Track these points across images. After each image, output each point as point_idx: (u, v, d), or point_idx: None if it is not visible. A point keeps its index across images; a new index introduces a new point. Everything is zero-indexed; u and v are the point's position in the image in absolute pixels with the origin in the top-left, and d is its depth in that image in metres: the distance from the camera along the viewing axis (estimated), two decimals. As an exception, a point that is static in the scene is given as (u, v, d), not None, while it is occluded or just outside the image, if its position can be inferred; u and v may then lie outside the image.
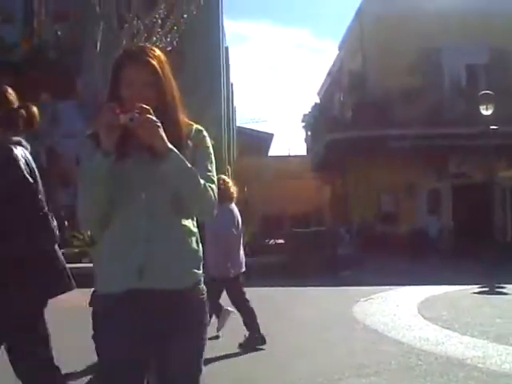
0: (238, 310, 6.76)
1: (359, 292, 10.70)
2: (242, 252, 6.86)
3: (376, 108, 21.64)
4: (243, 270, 6.78)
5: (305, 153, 41.51)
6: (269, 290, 11.44)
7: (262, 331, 6.49)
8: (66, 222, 14.50)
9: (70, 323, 7.09)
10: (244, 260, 6.85)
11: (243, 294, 6.73)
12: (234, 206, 6.86)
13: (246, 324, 6.60)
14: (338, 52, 30.78)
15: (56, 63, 14.12)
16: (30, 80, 12.73)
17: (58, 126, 16.63)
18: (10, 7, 14.95)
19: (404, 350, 6.26)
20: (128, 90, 2.16)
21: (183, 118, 2.29)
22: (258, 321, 6.52)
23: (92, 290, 2.96)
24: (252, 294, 9.69)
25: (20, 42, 13.98)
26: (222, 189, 6.20)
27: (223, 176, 7.02)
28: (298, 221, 24.86)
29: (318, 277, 12.25)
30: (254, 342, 6.44)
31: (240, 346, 6.40)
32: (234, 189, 6.82)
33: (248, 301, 6.69)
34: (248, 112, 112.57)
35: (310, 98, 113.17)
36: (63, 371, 3.24)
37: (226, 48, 33.56)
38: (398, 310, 8.91)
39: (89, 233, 12.56)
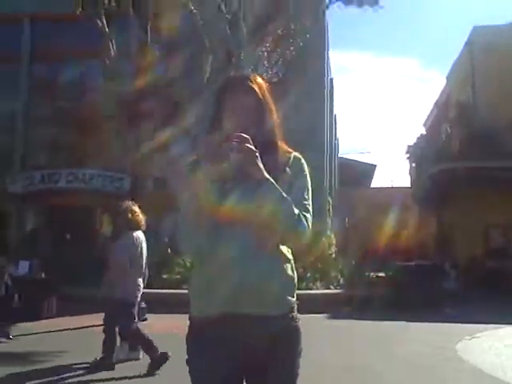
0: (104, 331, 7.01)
1: (464, 330, 10.24)
2: (136, 281, 6.98)
3: (485, 139, 20.91)
4: (131, 299, 6.91)
5: (408, 185, 40.62)
6: (371, 324, 11.22)
7: (362, 363, 6.36)
8: (169, 249, 14.90)
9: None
10: (138, 290, 6.99)
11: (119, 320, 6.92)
12: (139, 234, 7.09)
13: (104, 343, 6.89)
14: (445, 82, 30.14)
15: (167, 95, 14.73)
16: (142, 111, 13.34)
17: (165, 154, 17.28)
18: (124, 42, 15.80)
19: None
20: (229, 116, 2.19)
21: (282, 145, 2.29)
22: (362, 353, 6.39)
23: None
24: (353, 326, 9.54)
25: (134, 76, 14.70)
26: (130, 217, 6.89)
27: (130, 203, 7.35)
28: (400, 254, 24.25)
29: (422, 312, 11.86)
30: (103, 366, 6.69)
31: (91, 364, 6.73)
32: (141, 217, 7.13)
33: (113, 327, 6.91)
34: (352, 143, 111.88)
35: (415, 130, 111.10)
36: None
37: (331, 79, 33.68)
38: (505, 350, 8.44)
39: (190, 259, 12.87)
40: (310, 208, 2.22)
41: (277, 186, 2.10)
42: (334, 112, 37.63)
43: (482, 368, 7.20)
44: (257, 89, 2.23)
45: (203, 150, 2.18)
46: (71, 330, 10.19)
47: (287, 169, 2.23)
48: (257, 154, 2.07)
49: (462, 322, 11.09)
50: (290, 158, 2.28)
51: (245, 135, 2.06)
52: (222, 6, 15.30)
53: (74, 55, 19.10)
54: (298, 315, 2.26)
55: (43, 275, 12.36)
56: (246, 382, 2.22)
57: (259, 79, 2.31)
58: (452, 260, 21.21)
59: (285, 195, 2.11)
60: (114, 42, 14.39)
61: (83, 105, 19.15)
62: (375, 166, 47.03)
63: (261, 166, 2.08)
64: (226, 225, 2.13)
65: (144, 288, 7.26)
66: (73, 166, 18.73)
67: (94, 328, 10.18)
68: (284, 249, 2.21)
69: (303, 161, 2.31)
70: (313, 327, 9.27)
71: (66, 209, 18.59)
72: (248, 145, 2.06)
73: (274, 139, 2.27)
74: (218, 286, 2.13)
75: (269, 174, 2.10)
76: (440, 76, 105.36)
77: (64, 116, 19.23)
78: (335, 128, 38.55)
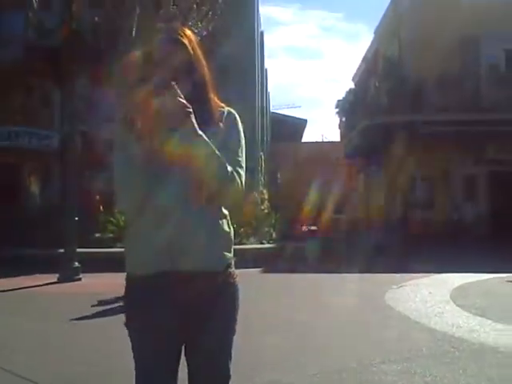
0: None
1: (392, 279, 10.65)
2: None
3: (412, 94, 21.35)
4: None
5: (339, 139, 41.25)
6: (302, 276, 11.49)
7: (294, 315, 6.53)
8: (101, 207, 14.69)
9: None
10: None
11: None
12: None
13: None
14: (373, 37, 30.41)
15: (93, 48, 14.29)
16: (67, 65, 12.90)
17: (94, 112, 16.84)
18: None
19: (436, 337, 6.22)
20: (159, 70, 2.12)
21: (215, 100, 2.26)
22: (292, 305, 6.55)
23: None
24: (284, 278, 9.77)
25: (58, 28, 14.13)
26: None
27: None
28: (331, 208, 24.74)
29: (352, 264, 12.22)
30: None
31: None
32: None
33: None
34: (282, 98, 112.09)
35: (344, 84, 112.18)
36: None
37: (262, 32, 33.42)
38: (430, 297, 8.84)
39: (123, 217, 12.74)
40: (244, 164, 2.21)
41: (209, 142, 2.08)
42: (265, 66, 37.53)
43: (408, 315, 7.52)
44: (187, 42, 2.19)
45: (132, 106, 2.11)
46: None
47: (220, 124, 2.20)
48: (190, 110, 2.04)
49: (389, 272, 11.51)
50: (223, 112, 2.26)
51: (176, 89, 2.02)
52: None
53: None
54: (235, 271, 2.28)
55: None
56: (185, 340, 2.23)
57: (189, 32, 2.25)
58: (379, 214, 21.87)
59: (217, 152, 2.08)
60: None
61: (6, 58, 18.30)
62: (306, 120, 47.57)
63: (194, 122, 2.05)
64: (161, 175, 2.10)
65: (78, 247, 7.11)
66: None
67: (23, 290, 10.05)
68: (219, 205, 2.21)
69: (237, 116, 2.29)
70: (247, 282, 9.39)
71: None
72: (180, 99, 2.02)
73: (207, 93, 2.23)
74: (153, 241, 2.11)
75: (201, 128, 2.07)
76: (367, 31, 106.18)
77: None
78: (266, 82, 38.50)
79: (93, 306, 8.15)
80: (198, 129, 2.06)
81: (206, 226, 2.15)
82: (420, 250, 14.82)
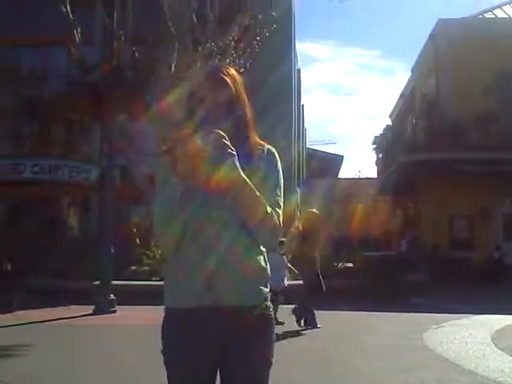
0: None
1: (430, 319, 10.41)
2: None
3: (449, 131, 21.20)
4: None
5: (375, 175, 41.03)
6: (338, 314, 11.33)
7: (331, 353, 6.44)
8: (138, 240, 14.80)
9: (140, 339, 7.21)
10: None
11: None
12: None
13: None
14: (410, 74, 30.44)
15: (133, 84, 14.57)
16: (107, 100, 13.20)
17: (133, 146, 17.13)
18: (89, 30, 15.57)
19: (477, 381, 6.03)
20: (202, 109, 2.16)
21: (256, 139, 2.28)
22: (329, 343, 6.48)
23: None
24: (320, 316, 9.64)
25: (99, 63, 14.50)
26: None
27: None
28: (367, 245, 24.49)
29: (389, 302, 12.02)
30: None
31: None
32: None
33: None
34: (318, 134, 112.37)
35: (381, 121, 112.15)
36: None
37: (298, 70, 33.73)
38: (470, 339, 8.59)
39: (159, 251, 12.81)
40: (282, 203, 2.23)
41: (252, 187, 2.09)
42: (302, 102, 37.74)
43: (447, 357, 7.31)
44: (230, 81, 2.22)
45: (174, 144, 2.13)
46: (36, 323, 10.06)
47: (260, 163, 2.22)
48: (234, 153, 2.05)
49: (427, 312, 11.27)
50: (263, 150, 2.28)
51: (222, 132, 2.04)
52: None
53: (38, 42, 18.78)
54: (270, 304, 2.28)
55: (9, 267, 12.19)
56: (220, 371, 2.23)
57: (232, 71, 2.29)
58: (417, 250, 21.54)
59: (257, 192, 2.10)
60: (79, 29, 14.13)
61: (48, 93, 18.82)
62: (342, 156, 47.44)
63: (237, 164, 2.06)
64: (202, 212, 2.14)
65: (113, 279, 7.21)
66: (38, 156, 18.44)
67: (61, 321, 10.15)
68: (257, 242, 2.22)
69: (276, 154, 2.30)
70: (283, 318, 9.32)
71: (32, 200, 18.31)
72: (225, 142, 2.03)
73: (248, 131, 2.26)
74: (194, 276, 2.13)
75: (241, 166, 2.08)
76: (404, 68, 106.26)
77: (28, 104, 18.86)
78: (303, 118, 38.69)
79: (128, 337, 8.17)
80: (239, 169, 2.07)
81: (245, 262, 2.17)
82: (459, 289, 14.51)
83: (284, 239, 11.04)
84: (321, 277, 9.94)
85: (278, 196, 2.23)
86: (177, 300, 2.20)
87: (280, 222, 2.19)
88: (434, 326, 9.68)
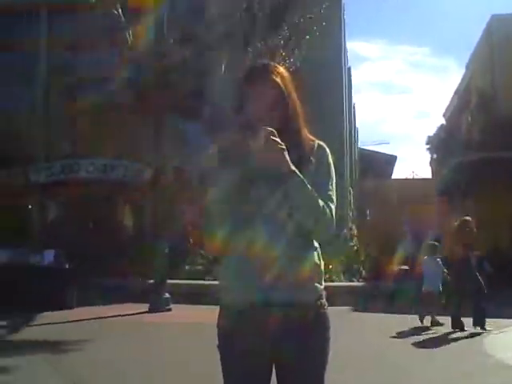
0: None
1: (491, 323, 10.06)
2: None
3: (507, 128, 20.59)
4: None
5: (430, 176, 40.25)
6: (394, 316, 11.12)
7: (387, 357, 6.30)
8: (191, 240, 14.89)
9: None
10: None
11: None
12: None
13: None
14: (464, 71, 29.80)
15: (183, 84, 14.68)
16: (159, 100, 13.34)
17: (184, 146, 17.27)
18: (140, 31, 15.74)
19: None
20: (252, 107, 2.19)
21: (306, 134, 2.29)
22: (385, 346, 6.35)
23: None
24: (375, 318, 9.47)
25: (151, 65, 14.64)
26: None
27: None
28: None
29: (447, 305, 11.69)
30: None
31: None
32: None
33: None
34: (370, 134, 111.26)
35: (434, 120, 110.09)
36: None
37: (349, 68, 33.48)
38: (534, 345, 8.28)
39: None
40: (334, 198, 2.24)
41: (304, 180, 2.11)
42: (353, 101, 37.40)
43: (509, 363, 7.05)
44: (279, 79, 2.24)
45: (228, 144, 2.20)
46: (94, 319, 10.25)
47: (312, 158, 2.24)
48: (284, 148, 2.07)
49: (488, 317, 10.90)
50: (314, 146, 2.28)
51: (271, 129, 2.06)
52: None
53: (91, 44, 19.15)
54: (325, 302, 2.27)
55: (67, 265, 12.44)
56: (276, 369, 2.23)
57: (281, 69, 2.32)
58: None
59: (311, 189, 2.12)
60: (130, 31, 14.31)
61: (102, 94, 19.14)
62: (395, 156, 46.51)
63: (288, 160, 2.08)
64: (252, 214, 2.15)
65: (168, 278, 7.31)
66: (93, 156, 18.80)
67: (115, 318, 10.31)
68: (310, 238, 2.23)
69: (327, 149, 2.31)
70: (336, 320, 9.17)
71: (87, 199, 18.67)
72: (274, 138, 2.05)
73: (299, 128, 2.27)
74: (247, 275, 2.13)
75: (293, 163, 2.11)
76: (456, 65, 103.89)
77: (82, 105, 19.24)
78: (354, 118, 38.33)
79: (185, 334, 8.28)
80: (292, 165, 2.09)
81: (299, 259, 2.16)
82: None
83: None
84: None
85: (330, 190, 2.24)
86: (231, 297, 2.22)
87: (333, 216, 2.19)
88: (495, 331, 9.37)
